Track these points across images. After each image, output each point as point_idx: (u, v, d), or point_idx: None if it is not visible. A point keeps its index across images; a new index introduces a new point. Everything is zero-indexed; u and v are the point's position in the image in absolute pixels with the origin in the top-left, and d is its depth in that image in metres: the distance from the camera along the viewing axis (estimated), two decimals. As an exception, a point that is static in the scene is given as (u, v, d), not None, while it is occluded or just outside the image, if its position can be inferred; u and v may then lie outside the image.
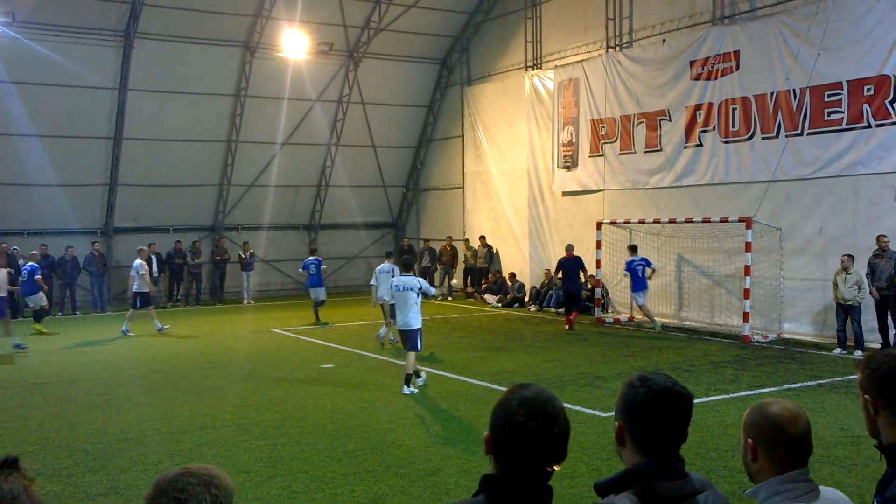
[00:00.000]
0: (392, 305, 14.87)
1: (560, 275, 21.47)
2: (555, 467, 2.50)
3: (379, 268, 18.35)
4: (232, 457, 9.80)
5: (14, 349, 18.24)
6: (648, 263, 20.43)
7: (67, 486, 8.78)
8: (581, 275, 21.41)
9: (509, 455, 2.50)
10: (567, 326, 20.75)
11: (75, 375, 15.36)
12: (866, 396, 2.97)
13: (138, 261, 21.23)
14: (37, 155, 24.92)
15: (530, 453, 2.46)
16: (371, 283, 18.47)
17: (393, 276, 16.21)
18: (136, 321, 20.95)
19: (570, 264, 21.07)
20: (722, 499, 2.71)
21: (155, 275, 25.18)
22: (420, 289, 13.59)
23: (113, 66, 25.32)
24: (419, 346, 13.72)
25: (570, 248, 21.47)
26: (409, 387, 13.31)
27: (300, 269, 24.83)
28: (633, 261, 20.33)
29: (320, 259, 23.62)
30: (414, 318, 13.52)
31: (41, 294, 21.27)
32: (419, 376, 13.92)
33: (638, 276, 20.17)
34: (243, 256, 28.46)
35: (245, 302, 28.15)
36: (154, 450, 10.21)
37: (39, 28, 23.66)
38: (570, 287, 21.22)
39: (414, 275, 14.27)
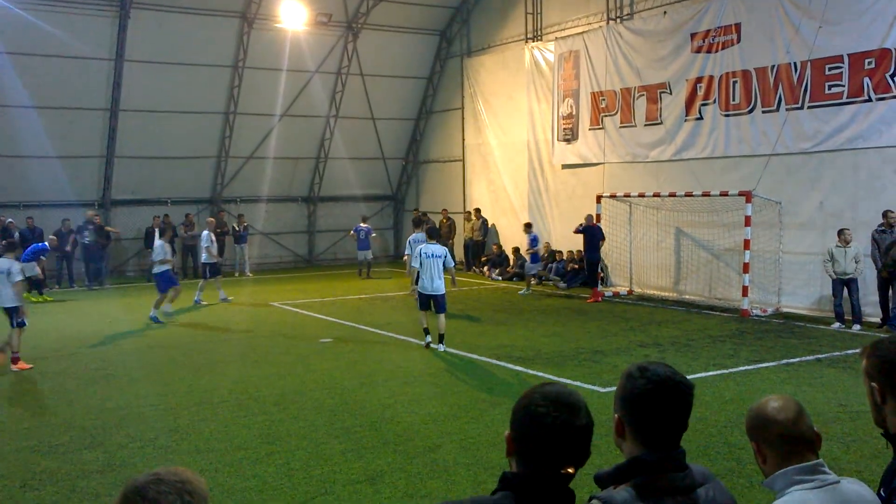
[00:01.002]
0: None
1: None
2: (569, 469, 2.46)
3: (413, 237, 19.05)
4: (230, 433, 9.81)
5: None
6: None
7: (64, 463, 8.78)
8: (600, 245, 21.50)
9: (532, 451, 2.46)
10: (596, 299, 20.88)
11: (72, 350, 15.37)
12: (873, 384, 2.92)
13: (206, 231, 21.94)
14: (33, 126, 24.72)
15: (553, 448, 2.43)
16: (406, 252, 18.95)
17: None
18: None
19: (592, 232, 21.13)
20: (724, 491, 2.67)
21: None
22: (445, 257, 14.82)
23: (109, 37, 25.08)
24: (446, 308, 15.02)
25: (590, 217, 21.43)
26: (442, 344, 14.63)
27: (351, 232, 27.80)
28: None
29: (370, 227, 27.19)
30: (441, 283, 14.76)
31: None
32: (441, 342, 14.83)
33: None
34: (237, 229, 28.33)
35: (237, 274, 27.83)
36: (151, 426, 10.21)
37: (34, -2, 23.48)
38: (594, 256, 21.30)
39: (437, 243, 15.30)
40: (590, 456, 2.48)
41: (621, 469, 2.57)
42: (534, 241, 22.98)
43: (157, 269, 18.80)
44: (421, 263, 14.71)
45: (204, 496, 2.06)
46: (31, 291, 21.43)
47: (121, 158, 26.87)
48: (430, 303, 14.80)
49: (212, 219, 23.69)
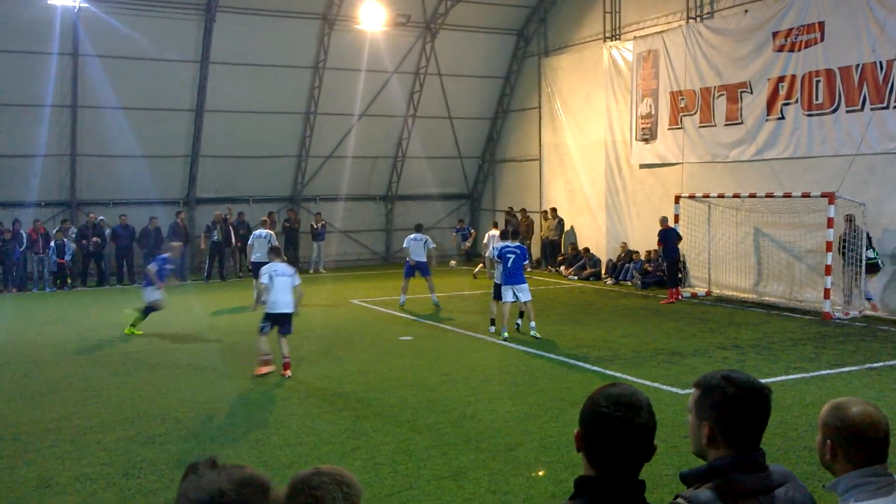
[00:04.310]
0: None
1: (660, 246, 21.69)
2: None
3: (491, 233, 22.80)
4: (316, 427, 10.15)
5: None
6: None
7: (161, 453, 9.20)
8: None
9: (597, 448, 2.62)
10: (675, 299, 20.95)
11: (159, 345, 15.93)
12: None
13: (265, 230, 21.52)
14: (121, 127, 25.60)
15: (616, 445, 2.58)
16: (489, 253, 20.76)
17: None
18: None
19: (668, 235, 21.16)
20: (804, 490, 2.81)
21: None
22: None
23: (195, 40, 25.84)
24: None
25: (665, 220, 21.44)
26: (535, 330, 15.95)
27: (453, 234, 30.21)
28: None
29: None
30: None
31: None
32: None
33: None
34: (315, 226, 28.86)
35: (311, 271, 28.30)
36: (241, 419, 10.61)
37: (122, 3, 24.28)
38: (672, 256, 21.32)
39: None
40: (655, 452, 2.65)
41: (705, 470, 2.75)
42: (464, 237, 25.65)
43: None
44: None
45: (359, 490, 2.36)
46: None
47: (205, 158, 27.65)
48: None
49: (266, 217, 23.82)
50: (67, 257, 24.55)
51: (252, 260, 20.85)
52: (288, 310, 13.05)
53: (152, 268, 16.82)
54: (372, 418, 10.53)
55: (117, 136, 25.78)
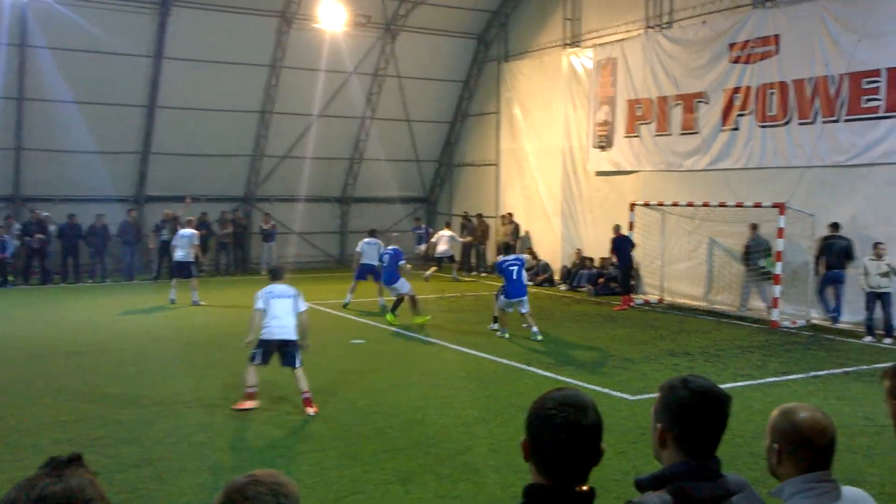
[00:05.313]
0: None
1: (613, 255, 21.91)
2: (584, 487, 2.56)
3: (441, 233, 26.11)
4: (263, 431, 10.00)
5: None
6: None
7: (101, 457, 8.94)
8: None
9: (545, 454, 2.54)
10: (627, 306, 21.12)
11: (108, 345, 15.60)
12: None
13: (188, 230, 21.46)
14: (71, 121, 25.05)
15: (565, 448, 2.51)
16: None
17: None
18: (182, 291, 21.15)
19: (622, 242, 21.33)
20: (757, 500, 2.79)
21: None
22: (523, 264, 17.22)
23: (149, 34, 25.38)
24: None
25: (618, 227, 21.58)
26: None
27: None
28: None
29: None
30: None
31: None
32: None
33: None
34: (264, 227, 28.59)
35: (263, 272, 28.01)
36: (187, 422, 10.39)
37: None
38: (625, 264, 21.51)
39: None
40: (602, 455, 2.58)
41: (659, 476, 2.70)
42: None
43: None
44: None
45: (296, 498, 2.23)
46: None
47: (157, 155, 27.21)
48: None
49: (191, 218, 23.33)
50: (9, 253, 23.97)
51: (175, 259, 20.97)
52: (288, 336, 10.96)
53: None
54: (320, 422, 10.40)
55: (66, 131, 25.21)
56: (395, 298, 18.67)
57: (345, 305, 20.34)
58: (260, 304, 10.99)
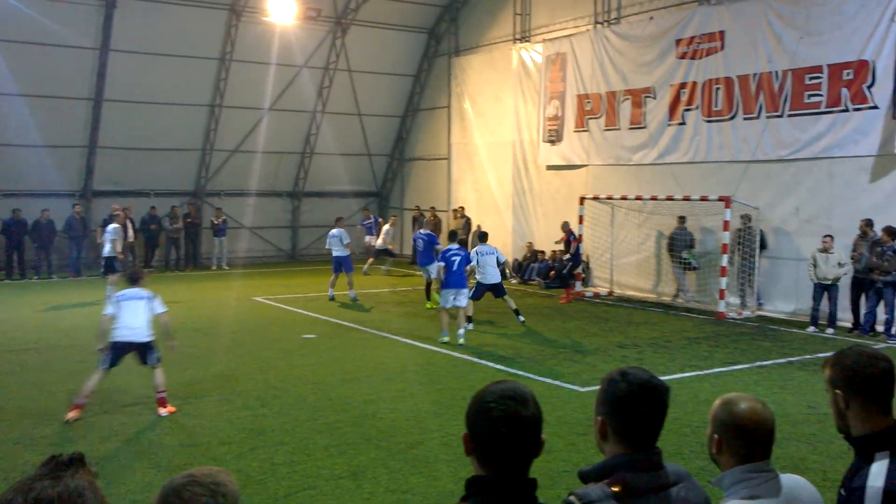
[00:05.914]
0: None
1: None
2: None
3: (385, 229, 26.17)
4: (214, 427, 9.96)
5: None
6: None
7: (46, 456, 8.84)
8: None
9: (486, 447, 2.56)
10: (569, 299, 21.37)
11: (53, 342, 15.42)
12: (837, 391, 3.14)
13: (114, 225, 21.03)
14: (15, 114, 24.65)
15: (505, 440, 2.53)
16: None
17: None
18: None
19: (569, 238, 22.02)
20: (698, 490, 2.84)
21: (130, 240, 25.13)
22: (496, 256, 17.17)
23: (95, 26, 25.01)
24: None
25: (566, 224, 22.55)
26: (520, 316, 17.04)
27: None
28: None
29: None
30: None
31: None
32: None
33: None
34: (215, 222, 28.40)
35: (214, 267, 28.20)
36: (134, 420, 10.32)
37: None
38: (573, 258, 22.17)
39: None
40: (543, 446, 2.60)
41: (601, 467, 2.76)
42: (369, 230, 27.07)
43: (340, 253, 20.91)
44: (478, 262, 16.69)
45: (236, 497, 2.18)
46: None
47: (103, 149, 26.81)
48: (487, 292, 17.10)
49: (120, 210, 23.02)
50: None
51: (103, 255, 20.77)
52: (138, 339, 10.54)
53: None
54: (270, 417, 10.39)
55: (10, 124, 24.82)
56: (426, 281, 19.93)
57: (330, 299, 20.81)
58: (109, 310, 10.66)
